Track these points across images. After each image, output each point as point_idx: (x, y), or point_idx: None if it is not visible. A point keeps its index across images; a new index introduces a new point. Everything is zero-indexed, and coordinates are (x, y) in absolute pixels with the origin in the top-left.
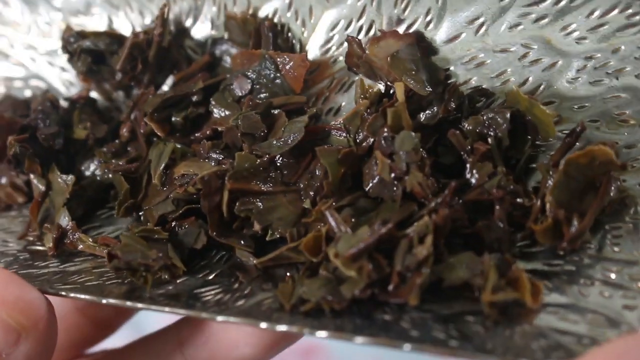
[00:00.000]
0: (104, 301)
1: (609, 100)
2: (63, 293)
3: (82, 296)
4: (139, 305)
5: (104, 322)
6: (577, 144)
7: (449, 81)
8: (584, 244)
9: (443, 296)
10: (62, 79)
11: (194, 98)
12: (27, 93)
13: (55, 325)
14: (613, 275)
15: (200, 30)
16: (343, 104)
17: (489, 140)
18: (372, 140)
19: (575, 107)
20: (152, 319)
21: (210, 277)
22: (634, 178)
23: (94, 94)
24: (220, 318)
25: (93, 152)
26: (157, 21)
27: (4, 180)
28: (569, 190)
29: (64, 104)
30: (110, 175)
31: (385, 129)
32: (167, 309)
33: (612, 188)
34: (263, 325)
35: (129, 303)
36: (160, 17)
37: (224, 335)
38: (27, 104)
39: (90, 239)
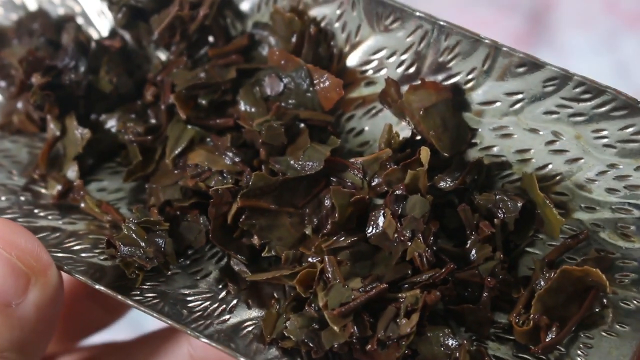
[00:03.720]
0: (96, 287)
1: (618, 212)
2: (57, 263)
3: (77, 276)
4: (129, 302)
5: (112, 308)
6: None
7: (472, 141)
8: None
9: None
10: (97, 7)
11: (224, 86)
12: (61, 11)
13: (61, 280)
14: None
15: (246, 4)
16: (366, 128)
17: (495, 221)
18: (385, 189)
19: (584, 206)
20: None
21: (200, 278)
22: (621, 293)
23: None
24: (204, 340)
25: (113, 105)
26: (206, 3)
27: (20, 107)
28: (556, 297)
29: (94, 45)
30: (125, 137)
31: (401, 186)
32: (155, 314)
33: (596, 303)
34: (241, 359)
35: (120, 297)
36: (209, 1)
37: None
38: (58, 28)
39: (93, 201)
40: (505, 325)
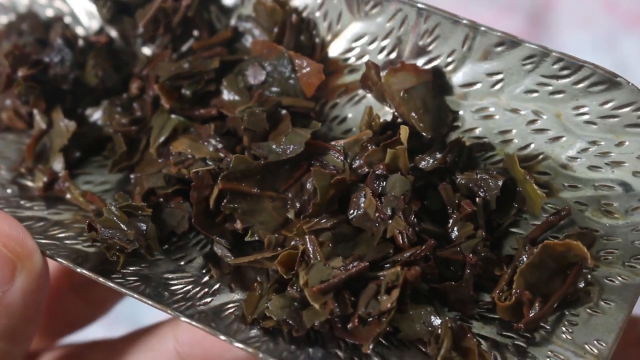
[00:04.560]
0: (78, 270)
1: (601, 189)
2: (41, 250)
3: (59, 260)
4: (110, 284)
5: (98, 302)
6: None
7: (454, 124)
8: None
9: (396, 342)
10: (85, 7)
11: (207, 76)
12: (49, 13)
13: (47, 265)
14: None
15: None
16: (350, 115)
17: (477, 199)
18: (366, 170)
19: (567, 184)
20: (150, 314)
21: (183, 263)
22: (605, 270)
23: (113, 32)
24: (184, 319)
25: (99, 99)
26: None
27: (8, 103)
28: (538, 272)
29: (81, 42)
30: (111, 130)
31: (381, 166)
32: (135, 295)
33: (580, 279)
34: (222, 337)
35: (101, 279)
36: None
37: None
38: (46, 28)
39: (78, 191)
40: (489, 304)
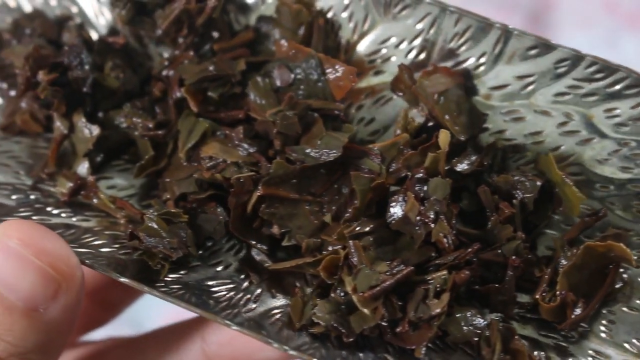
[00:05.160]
0: (121, 279)
1: (632, 189)
2: (80, 259)
3: (100, 269)
4: (156, 293)
5: (111, 305)
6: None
7: (484, 126)
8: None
9: (442, 345)
10: (94, 6)
11: (233, 78)
12: (57, 12)
13: (84, 277)
14: (599, 358)
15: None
16: (377, 117)
17: (514, 201)
18: (404, 173)
19: (598, 186)
20: (153, 315)
21: (221, 269)
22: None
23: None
24: (235, 328)
25: (120, 102)
26: None
27: (24, 106)
28: (579, 273)
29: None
30: (136, 133)
31: (421, 170)
32: (183, 304)
33: (617, 279)
34: (275, 345)
35: (146, 289)
36: None
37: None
38: (58, 29)
39: (106, 197)
40: (527, 305)
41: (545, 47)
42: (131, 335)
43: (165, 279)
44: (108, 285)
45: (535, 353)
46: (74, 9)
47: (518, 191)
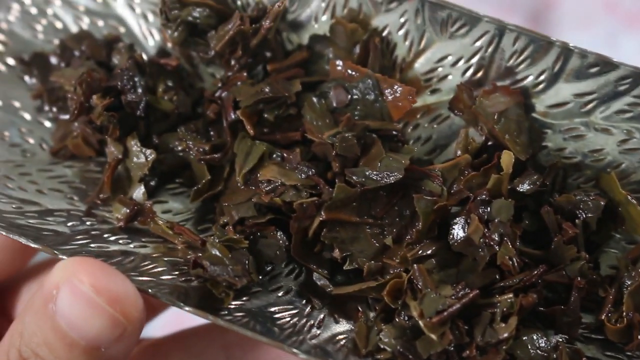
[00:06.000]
0: (185, 309)
1: None
2: (143, 289)
3: (164, 299)
4: (221, 322)
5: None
6: None
7: (543, 144)
8: None
9: None
10: (141, 26)
11: (289, 100)
12: (104, 32)
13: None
14: None
15: (301, 17)
16: (433, 136)
17: (576, 221)
18: (465, 195)
19: None
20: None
21: (282, 294)
22: None
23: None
24: (302, 356)
25: (173, 124)
26: (271, 15)
27: (75, 132)
28: None
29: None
30: (191, 156)
31: (484, 191)
32: (249, 333)
33: None
34: None
35: (210, 317)
36: (274, 13)
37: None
38: (107, 50)
39: (163, 222)
40: (591, 325)
41: (606, 64)
42: (154, 337)
43: (229, 306)
44: None
45: None
46: (122, 29)
47: (581, 211)
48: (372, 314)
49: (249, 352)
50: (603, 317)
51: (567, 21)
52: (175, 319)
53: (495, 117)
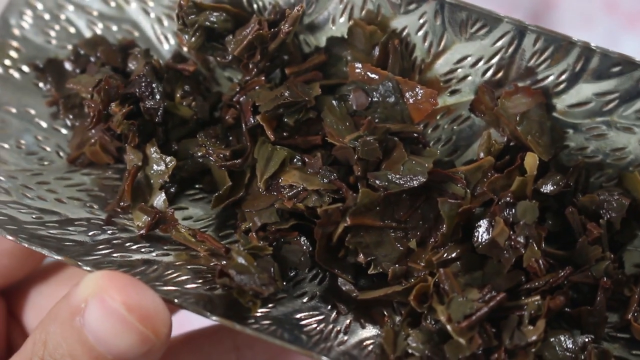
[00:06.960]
0: (213, 318)
1: None
2: (169, 299)
3: (190, 309)
4: (248, 331)
5: None
6: None
7: (564, 143)
8: None
9: None
10: (156, 30)
11: (309, 104)
12: (118, 37)
13: None
14: None
15: (318, 19)
16: (454, 137)
17: (601, 221)
18: (489, 197)
19: None
20: None
21: (306, 300)
22: None
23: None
24: None
25: (192, 130)
26: (290, 19)
27: (93, 139)
28: None
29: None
30: (211, 162)
31: (509, 193)
32: (277, 341)
33: None
34: None
35: (238, 327)
36: (293, 17)
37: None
38: (122, 55)
39: (186, 230)
40: (616, 324)
41: (628, 64)
42: None
43: (255, 314)
44: None
45: None
46: (136, 34)
47: (605, 210)
48: (398, 319)
49: (261, 353)
50: (629, 316)
51: (567, 21)
52: (181, 319)
53: (518, 119)
